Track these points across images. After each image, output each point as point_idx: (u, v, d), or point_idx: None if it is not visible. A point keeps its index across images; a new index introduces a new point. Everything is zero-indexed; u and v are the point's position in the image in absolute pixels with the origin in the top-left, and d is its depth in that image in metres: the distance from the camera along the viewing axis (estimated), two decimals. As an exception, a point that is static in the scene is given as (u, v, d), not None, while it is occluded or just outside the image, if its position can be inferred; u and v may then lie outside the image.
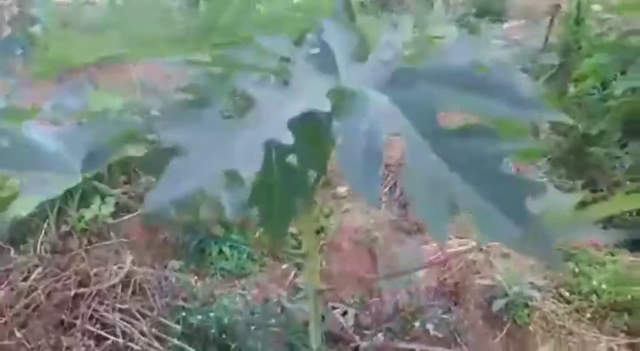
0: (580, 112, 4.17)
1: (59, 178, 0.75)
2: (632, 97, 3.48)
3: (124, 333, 2.13)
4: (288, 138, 0.50)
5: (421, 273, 2.55)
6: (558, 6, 6.41)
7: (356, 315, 2.64)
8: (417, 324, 2.39)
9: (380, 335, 2.53)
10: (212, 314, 2.31)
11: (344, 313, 2.62)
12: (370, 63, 0.68)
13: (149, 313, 2.22)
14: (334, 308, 2.64)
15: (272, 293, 2.89)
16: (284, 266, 3.10)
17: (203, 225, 3.17)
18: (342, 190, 3.75)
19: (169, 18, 0.88)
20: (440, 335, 2.25)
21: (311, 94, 0.56)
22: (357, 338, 2.54)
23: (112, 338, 2.09)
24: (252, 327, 2.55)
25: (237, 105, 0.78)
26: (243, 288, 2.92)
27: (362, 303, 2.70)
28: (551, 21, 6.83)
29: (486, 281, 2.26)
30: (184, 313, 2.29)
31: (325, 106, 0.52)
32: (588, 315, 2.13)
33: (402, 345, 2.33)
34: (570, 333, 2.05)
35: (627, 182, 3.46)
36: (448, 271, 2.54)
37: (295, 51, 0.67)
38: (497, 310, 2.15)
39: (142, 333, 2.12)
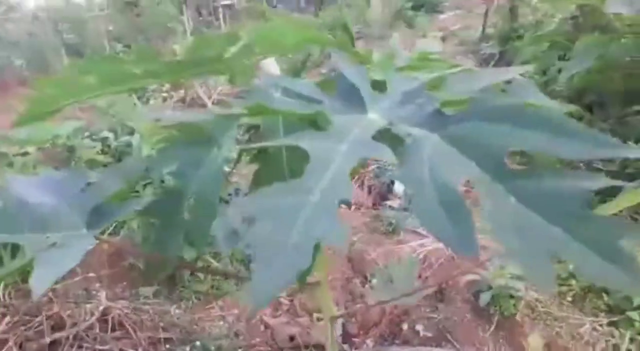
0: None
1: (72, 242, 0.68)
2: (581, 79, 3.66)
3: (108, 376, 2.01)
4: (349, 195, 0.47)
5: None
6: (493, -4, 6.59)
7: (343, 324, 2.62)
8: (405, 326, 2.40)
9: (369, 341, 2.52)
10: (197, 343, 2.22)
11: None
12: (396, 96, 0.65)
13: (132, 351, 2.11)
14: (318, 319, 2.61)
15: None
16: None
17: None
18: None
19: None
20: (430, 334, 2.26)
21: (360, 140, 0.53)
22: (345, 347, 2.53)
23: (95, 382, 1.97)
24: (240, 350, 2.48)
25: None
26: (222, 309, 2.84)
27: (347, 311, 2.68)
28: (486, 11, 7.03)
29: (470, 277, 2.29)
30: (168, 345, 2.19)
31: (388, 154, 0.49)
32: (569, 299, 2.20)
33: (394, 349, 2.33)
34: (555, 318, 2.12)
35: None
36: (429, 269, 2.57)
37: (320, 91, 0.63)
38: (485, 303, 2.19)
39: (128, 373, 2.01)
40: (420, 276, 2.56)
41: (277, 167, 0.72)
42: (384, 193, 3.43)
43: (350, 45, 0.83)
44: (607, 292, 2.16)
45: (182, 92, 5.75)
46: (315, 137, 0.52)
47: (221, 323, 2.56)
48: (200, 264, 3.13)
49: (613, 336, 2.00)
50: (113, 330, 2.09)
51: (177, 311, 2.51)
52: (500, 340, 2.13)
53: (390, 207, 3.22)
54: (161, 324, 2.29)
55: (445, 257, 2.56)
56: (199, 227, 0.73)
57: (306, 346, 2.54)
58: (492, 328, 2.16)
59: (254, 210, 0.44)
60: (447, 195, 0.46)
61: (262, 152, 0.74)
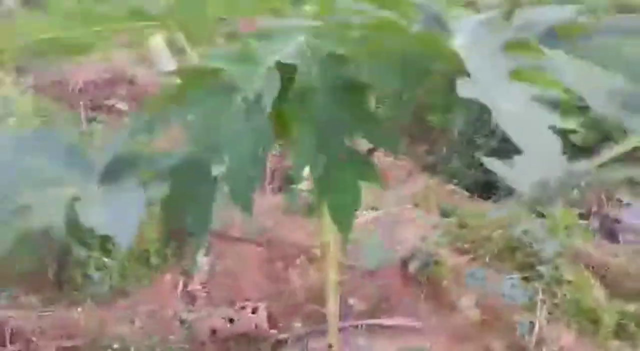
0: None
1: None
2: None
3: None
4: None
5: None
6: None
7: (268, 309, 2.50)
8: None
9: (297, 324, 2.44)
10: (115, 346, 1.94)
11: (254, 311, 2.46)
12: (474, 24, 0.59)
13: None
14: (242, 308, 2.46)
15: (164, 309, 2.56)
16: (168, 277, 2.78)
17: (58, 248, 2.64)
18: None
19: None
20: (363, 308, 2.26)
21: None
22: (274, 332, 2.42)
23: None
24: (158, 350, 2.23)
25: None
26: (128, 310, 2.53)
27: (270, 295, 2.57)
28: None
29: (397, 247, 2.33)
30: (77, 354, 1.88)
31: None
32: (487, 260, 2.37)
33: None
34: (478, 278, 2.26)
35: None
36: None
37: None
38: (414, 271, 2.25)
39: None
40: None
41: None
42: (290, 176, 3.36)
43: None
44: (518, 250, 2.36)
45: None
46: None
47: (132, 324, 2.27)
48: (92, 264, 2.76)
49: (528, 290, 2.19)
50: (12, 342, 1.72)
51: (80, 316, 2.16)
52: (432, 306, 2.21)
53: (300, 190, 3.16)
54: (65, 332, 1.96)
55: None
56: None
57: (229, 339, 2.38)
58: (423, 294, 2.23)
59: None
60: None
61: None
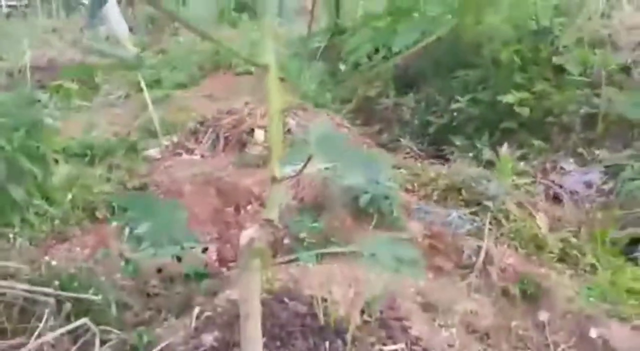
0: (358, 79, 4.77)
1: None
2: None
3: None
4: None
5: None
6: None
7: (218, 250, 2.44)
8: (286, 241, 2.34)
9: (247, 263, 2.39)
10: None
11: (204, 250, 2.39)
12: None
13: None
14: (191, 248, 2.39)
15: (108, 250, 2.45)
16: (114, 224, 2.67)
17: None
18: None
19: None
20: (314, 241, 2.25)
21: None
22: (223, 270, 2.36)
23: None
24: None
25: None
26: (69, 251, 2.41)
27: (221, 238, 2.51)
28: (312, 11, 7.49)
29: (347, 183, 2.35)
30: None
31: None
32: (435, 198, 2.42)
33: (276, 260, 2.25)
34: (426, 212, 2.30)
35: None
36: (303, 190, 2.56)
37: None
38: (364, 204, 2.26)
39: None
40: (296, 197, 2.55)
41: None
42: (244, 141, 3.35)
43: None
44: (463, 190, 2.42)
45: None
46: None
47: (78, 263, 2.16)
48: (33, 210, 2.64)
49: (475, 221, 2.24)
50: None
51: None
52: (380, 234, 2.22)
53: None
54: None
55: (317, 179, 2.58)
56: None
57: (175, 277, 2.30)
58: (372, 225, 2.24)
59: None
60: None
61: None
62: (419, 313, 1.70)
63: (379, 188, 2.29)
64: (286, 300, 1.69)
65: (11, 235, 2.40)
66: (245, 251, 1.22)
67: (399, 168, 2.76)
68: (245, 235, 1.19)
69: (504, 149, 2.58)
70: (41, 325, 1.54)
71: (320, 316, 1.54)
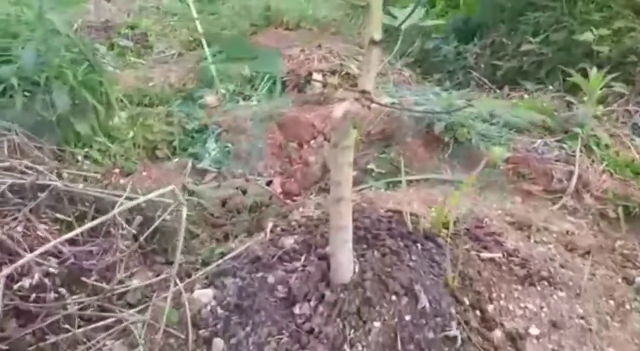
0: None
1: None
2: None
3: None
4: None
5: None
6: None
7: (282, 183, 2.35)
8: (355, 173, 2.22)
9: (312, 197, 2.29)
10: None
11: (269, 183, 2.31)
12: None
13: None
14: (255, 180, 2.31)
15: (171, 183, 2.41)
16: (176, 160, 2.63)
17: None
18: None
19: None
20: (383, 171, 2.12)
21: None
22: (288, 202, 2.26)
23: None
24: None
25: None
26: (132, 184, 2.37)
27: (284, 172, 2.42)
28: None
29: (417, 114, 2.20)
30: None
31: None
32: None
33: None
34: (509, 139, 2.11)
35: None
36: (370, 124, 2.43)
37: None
38: (439, 132, 2.11)
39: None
40: (362, 133, 2.42)
41: None
42: (301, 86, 3.24)
43: None
44: (548, 117, 2.22)
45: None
46: None
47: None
48: (96, 147, 2.62)
49: (563, 148, 2.05)
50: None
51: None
52: (456, 163, 2.07)
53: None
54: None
55: (385, 113, 2.44)
56: None
57: (239, 210, 2.22)
58: (448, 153, 2.09)
59: None
60: None
61: None
62: (511, 231, 1.55)
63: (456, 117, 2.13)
64: (365, 214, 1.57)
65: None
66: (340, 125, 1.10)
67: (470, 100, 2.58)
68: (340, 108, 1.08)
69: (594, 72, 2.33)
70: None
71: (408, 222, 1.41)
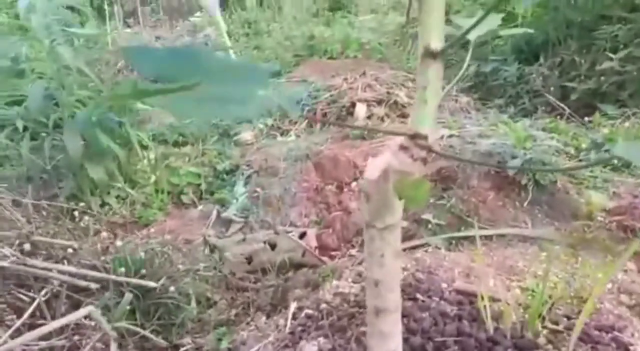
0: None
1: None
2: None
3: None
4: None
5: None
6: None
7: (317, 235, 1.97)
8: (404, 223, 1.81)
9: (354, 251, 1.89)
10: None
11: (302, 236, 1.93)
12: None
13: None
14: (287, 232, 1.94)
15: (191, 236, 2.08)
16: (200, 207, 2.31)
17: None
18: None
19: None
20: (442, 222, 1.69)
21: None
22: (325, 260, 1.86)
23: None
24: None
25: None
26: (148, 238, 2.06)
27: (321, 221, 2.03)
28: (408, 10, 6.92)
29: (482, 149, 1.77)
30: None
31: None
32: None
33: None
34: (606, 180, 1.64)
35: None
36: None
37: None
38: (513, 173, 1.67)
39: None
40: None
41: None
42: (343, 118, 2.88)
43: None
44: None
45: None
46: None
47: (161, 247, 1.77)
48: (114, 194, 2.35)
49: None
50: None
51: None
52: (538, 212, 1.61)
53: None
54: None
55: (442, 146, 2.03)
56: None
57: (265, 271, 1.85)
58: (528, 199, 1.64)
59: None
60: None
61: None
62: (635, 320, 1.08)
63: (531, 152, 1.69)
64: (419, 296, 1.15)
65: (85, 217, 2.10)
66: (376, 191, 0.70)
67: (546, 130, 2.12)
68: (377, 163, 0.69)
69: None
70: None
71: (488, 318, 0.98)
